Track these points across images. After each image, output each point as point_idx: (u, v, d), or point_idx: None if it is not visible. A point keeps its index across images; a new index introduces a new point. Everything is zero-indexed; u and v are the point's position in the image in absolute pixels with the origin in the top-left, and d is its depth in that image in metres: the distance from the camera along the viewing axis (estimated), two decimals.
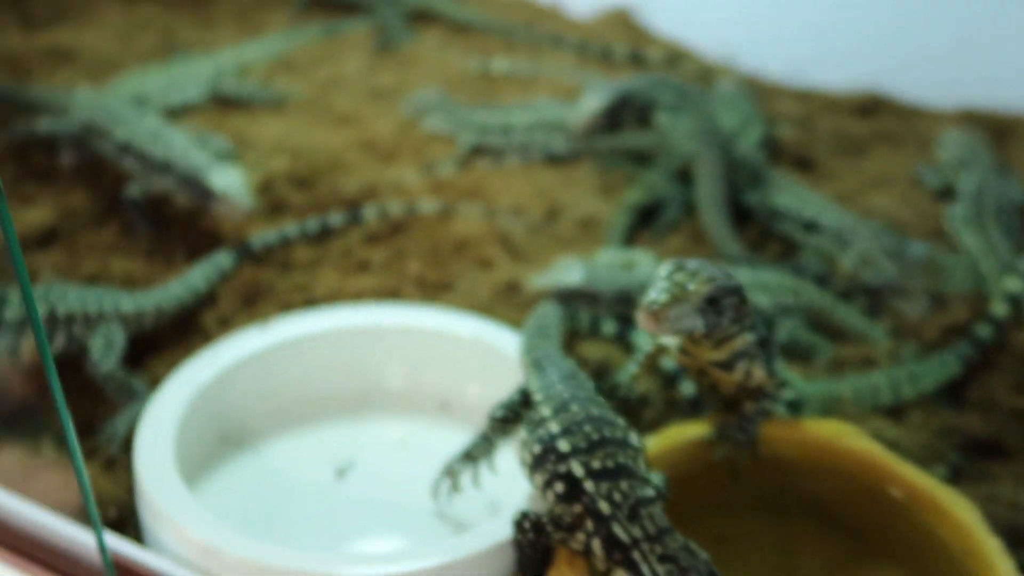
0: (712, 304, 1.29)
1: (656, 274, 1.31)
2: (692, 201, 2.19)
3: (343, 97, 2.64)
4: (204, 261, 1.94)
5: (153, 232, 2.08)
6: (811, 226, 2.11)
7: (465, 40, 2.94)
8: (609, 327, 1.83)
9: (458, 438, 1.57)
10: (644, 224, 2.19)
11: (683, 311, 1.27)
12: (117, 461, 1.62)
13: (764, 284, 1.89)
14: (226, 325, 1.85)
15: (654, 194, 2.22)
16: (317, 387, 1.71)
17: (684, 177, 2.24)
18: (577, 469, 1.24)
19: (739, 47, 2.85)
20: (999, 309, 1.90)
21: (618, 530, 1.19)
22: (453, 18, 3.01)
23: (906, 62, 2.67)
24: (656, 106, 2.36)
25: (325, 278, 1.98)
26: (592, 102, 2.35)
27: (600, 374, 1.72)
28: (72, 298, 1.71)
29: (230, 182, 1.95)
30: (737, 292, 1.32)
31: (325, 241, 2.08)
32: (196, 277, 1.88)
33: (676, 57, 2.82)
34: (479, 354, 1.70)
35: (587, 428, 1.28)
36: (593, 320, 1.84)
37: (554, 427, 1.29)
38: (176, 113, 2.53)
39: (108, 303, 1.74)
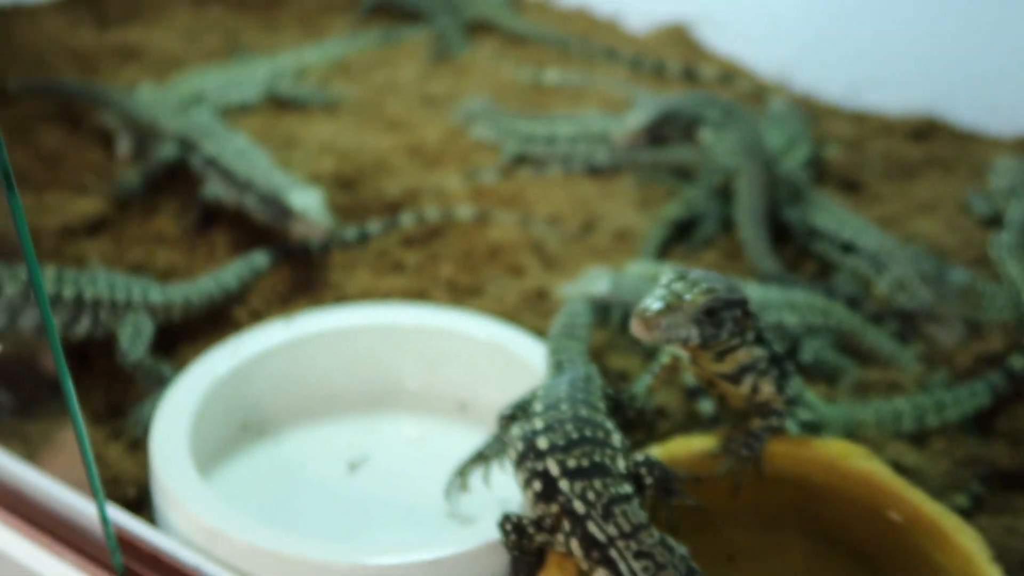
0: (710, 316, 1.29)
1: (657, 281, 1.31)
2: (729, 218, 2.19)
3: (395, 102, 2.68)
4: (240, 259, 1.99)
5: (204, 231, 2.14)
6: (848, 247, 2.09)
7: (520, 51, 2.98)
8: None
9: (474, 439, 1.59)
10: (680, 239, 2.19)
11: (676, 320, 1.27)
12: (141, 444, 1.67)
13: (792, 303, 1.88)
14: (257, 319, 1.90)
15: (692, 209, 2.22)
16: (338, 382, 1.74)
17: (724, 194, 2.23)
18: (553, 467, 1.25)
19: (795, 67, 2.83)
20: None
21: (593, 529, 1.20)
22: (510, 29, 3.05)
23: (964, 87, 2.62)
24: (702, 122, 2.36)
25: (359, 278, 2.02)
26: (636, 117, 2.37)
27: (620, 384, 1.73)
28: (101, 284, 1.77)
29: (309, 202, 1.99)
30: (739, 306, 1.32)
31: (362, 242, 2.12)
32: (228, 274, 1.94)
33: (730, 74, 2.81)
34: (499, 358, 1.71)
35: (568, 427, 1.29)
36: (624, 318, 1.84)
37: (538, 423, 1.31)
38: (232, 112, 2.61)
39: (137, 292, 1.80)
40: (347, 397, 1.75)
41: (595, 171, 2.39)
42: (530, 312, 1.92)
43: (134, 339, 1.77)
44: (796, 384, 1.50)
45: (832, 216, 2.15)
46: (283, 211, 2.00)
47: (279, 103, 2.68)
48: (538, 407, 1.36)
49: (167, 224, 2.16)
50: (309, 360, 1.72)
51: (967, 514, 1.57)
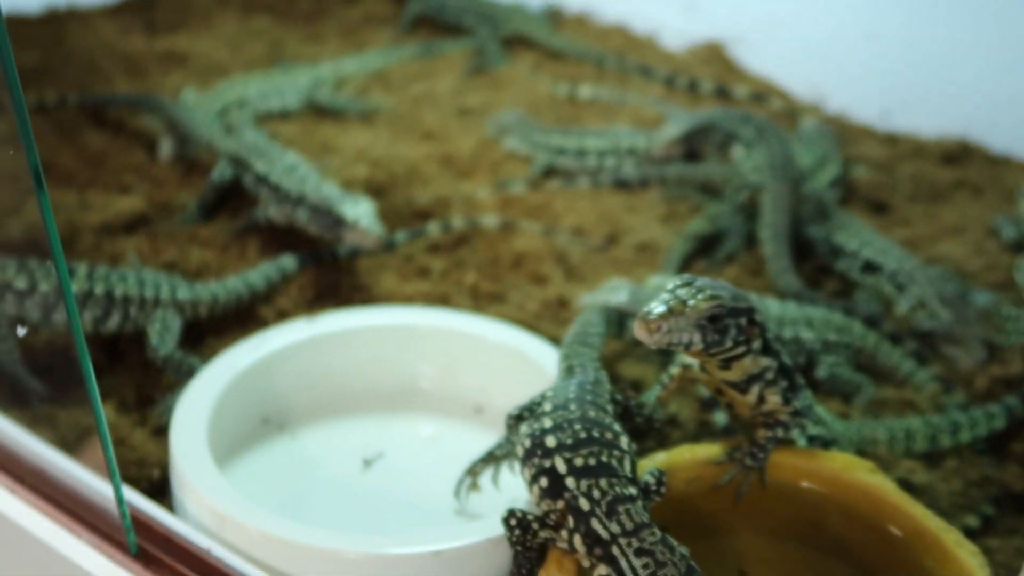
0: (713, 322, 1.31)
1: (663, 286, 1.34)
2: (753, 234, 2.20)
3: (431, 113, 2.74)
4: (269, 262, 2.04)
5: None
6: (870, 266, 2.10)
7: (557, 67, 3.02)
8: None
9: (487, 441, 1.62)
10: (703, 254, 2.21)
11: (678, 325, 1.29)
12: (166, 430, 1.72)
13: (809, 319, 1.89)
14: (284, 318, 1.95)
15: (716, 225, 2.24)
16: (357, 381, 1.79)
17: (749, 210, 2.25)
18: (560, 465, 1.28)
19: (829, 88, 2.84)
20: None
21: (597, 526, 1.22)
22: (547, 45, 3.09)
23: (999, 111, 2.61)
24: (736, 139, 2.39)
25: (385, 282, 2.07)
26: (673, 127, 2.43)
27: (630, 392, 1.75)
28: (131, 282, 1.84)
29: (361, 212, 2.02)
30: (744, 315, 1.33)
31: (389, 249, 2.16)
32: (256, 275, 1.99)
33: (763, 94, 2.83)
34: (516, 363, 1.75)
35: (576, 427, 1.32)
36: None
37: (547, 423, 1.34)
38: (272, 118, 2.68)
39: (165, 290, 1.86)
40: (365, 396, 1.79)
41: (622, 185, 2.41)
42: (550, 320, 1.95)
43: (163, 334, 1.83)
44: (806, 397, 1.51)
45: (855, 235, 2.16)
46: (336, 221, 2.03)
47: (318, 111, 2.75)
48: (547, 407, 1.39)
49: (202, 226, 2.23)
50: (330, 358, 1.77)
51: (976, 534, 1.57)
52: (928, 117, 2.70)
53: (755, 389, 1.42)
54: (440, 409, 1.80)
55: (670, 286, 1.34)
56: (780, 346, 1.45)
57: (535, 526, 1.29)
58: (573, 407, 1.36)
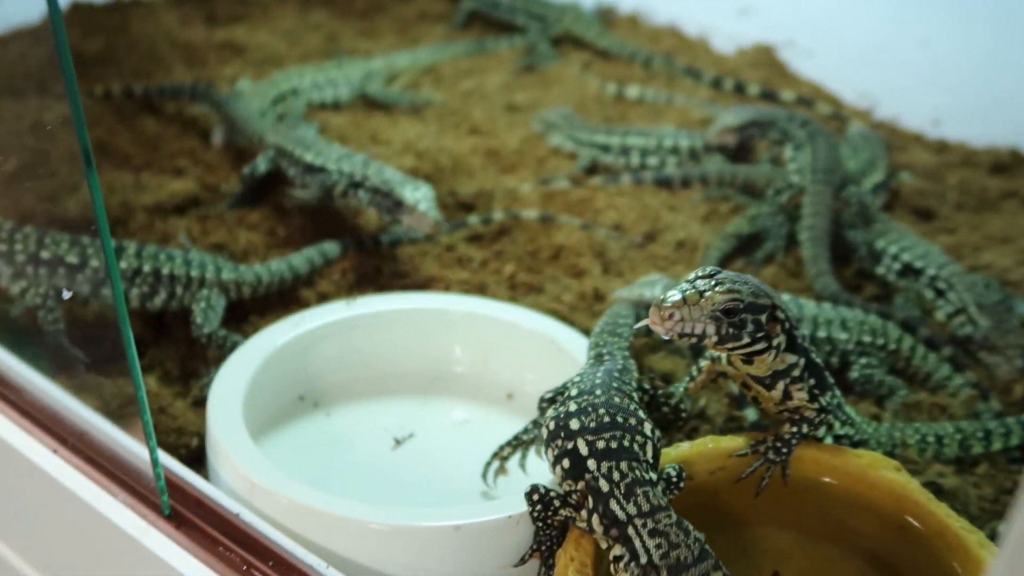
0: (728, 315, 1.31)
1: (684, 277, 1.35)
2: (794, 236, 2.20)
3: (479, 108, 2.77)
4: (313, 246, 2.09)
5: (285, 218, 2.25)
6: (911, 270, 2.09)
7: (607, 66, 3.04)
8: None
9: (518, 427, 1.65)
10: (742, 253, 2.21)
11: (692, 315, 1.30)
12: (206, 403, 1.77)
13: (844, 320, 1.89)
14: (324, 300, 1.99)
15: (757, 225, 2.24)
16: (392, 363, 1.82)
17: (792, 213, 2.25)
18: (582, 447, 1.30)
19: (880, 94, 2.83)
20: None
21: (615, 507, 1.24)
22: (598, 45, 3.11)
23: None
24: (788, 138, 2.40)
25: (425, 269, 2.10)
26: (729, 117, 2.46)
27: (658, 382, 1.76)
28: (179, 261, 1.89)
29: (420, 196, 2.05)
30: (764, 311, 1.34)
31: (430, 238, 2.20)
32: (299, 259, 2.04)
33: (810, 98, 2.82)
34: (549, 351, 1.77)
35: (601, 411, 1.34)
36: None
37: (572, 406, 1.36)
38: (325, 109, 2.74)
39: (211, 270, 1.91)
40: (400, 378, 1.82)
41: (664, 183, 2.43)
42: (584, 312, 1.97)
43: (207, 313, 1.89)
44: (834, 396, 1.51)
45: (896, 239, 2.15)
46: (395, 204, 2.06)
47: (369, 103, 2.80)
48: (573, 391, 1.42)
49: (250, 210, 2.28)
50: (366, 340, 1.80)
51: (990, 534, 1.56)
52: (979, 126, 2.67)
53: (780, 385, 1.43)
54: (472, 394, 1.83)
55: (691, 276, 1.35)
56: (810, 344, 1.45)
57: (556, 503, 1.32)
58: (599, 392, 1.38)
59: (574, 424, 1.34)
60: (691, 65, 2.98)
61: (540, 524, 1.36)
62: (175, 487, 1.38)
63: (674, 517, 1.24)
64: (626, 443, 1.31)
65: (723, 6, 3.12)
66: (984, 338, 1.94)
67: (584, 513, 1.29)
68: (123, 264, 1.86)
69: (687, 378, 1.63)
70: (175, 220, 2.21)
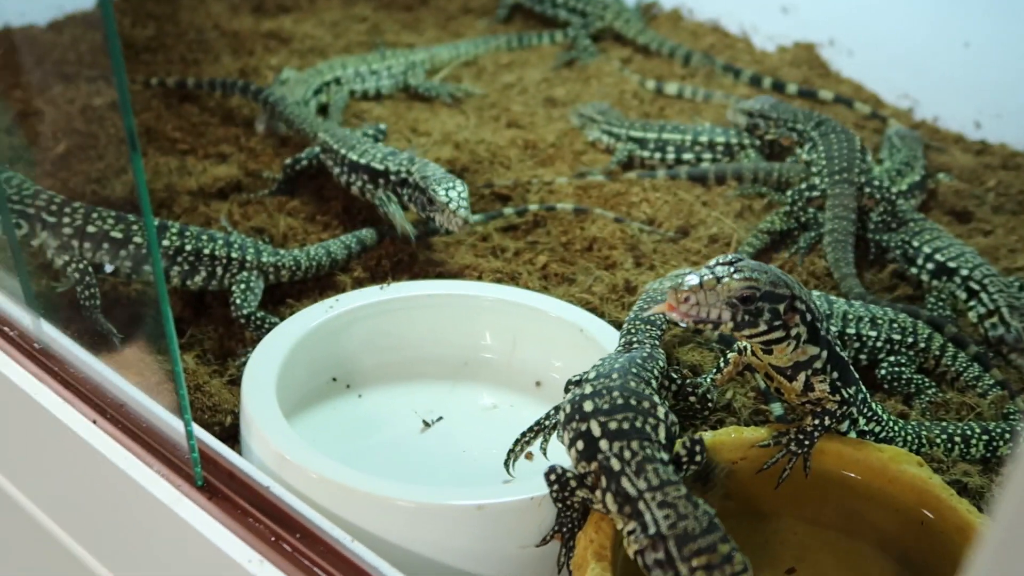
0: (745, 303, 1.33)
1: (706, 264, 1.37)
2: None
3: (518, 102, 2.80)
4: (351, 233, 2.13)
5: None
6: (942, 270, 2.09)
7: (647, 63, 3.05)
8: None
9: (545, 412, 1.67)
10: (775, 249, 2.22)
11: (707, 300, 1.31)
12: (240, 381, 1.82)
13: (874, 317, 1.89)
14: (359, 285, 2.03)
15: (790, 223, 2.25)
16: (424, 348, 1.86)
17: (822, 211, 2.25)
18: (595, 428, 1.33)
19: (921, 95, 2.82)
20: None
21: (626, 484, 1.27)
22: (639, 41, 3.12)
23: None
24: (804, 141, 2.42)
25: (459, 258, 2.14)
26: (750, 102, 2.53)
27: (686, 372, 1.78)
28: (220, 243, 1.94)
29: (454, 195, 2.07)
30: (783, 301, 1.35)
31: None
32: (337, 245, 2.08)
33: (849, 97, 2.82)
34: (579, 341, 1.80)
35: (615, 394, 1.36)
36: None
37: (587, 388, 1.39)
38: (367, 99, 2.78)
39: (251, 253, 1.96)
40: (431, 363, 1.86)
41: (699, 179, 2.44)
42: (615, 304, 1.99)
43: (245, 294, 1.94)
44: (859, 391, 1.52)
45: (930, 239, 2.14)
46: (429, 200, 2.09)
47: (410, 95, 2.84)
48: (591, 375, 1.44)
49: (290, 196, 2.33)
50: (398, 325, 1.84)
51: None
52: (1021, 128, 2.65)
53: (801, 376, 1.44)
54: (501, 381, 1.86)
55: (711, 263, 1.36)
56: (835, 339, 1.46)
57: (573, 484, 1.34)
58: (615, 376, 1.41)
59: (588, 406, 1.36)
60: (730, 62, 2.99)
61: (560, 505, 1.39)
62: (208, 459, 1.42)
63: (683, 491, 1.26)
64: (638, 424, 1.33)
65: (765, 4, 3.12)
66: (1016, 340, 1.93)
67: (599, 494, 1.31)
68: (165, 243, 1.92)
69: (714, 369, 1.64)
70: (217, 204, 2.26)
